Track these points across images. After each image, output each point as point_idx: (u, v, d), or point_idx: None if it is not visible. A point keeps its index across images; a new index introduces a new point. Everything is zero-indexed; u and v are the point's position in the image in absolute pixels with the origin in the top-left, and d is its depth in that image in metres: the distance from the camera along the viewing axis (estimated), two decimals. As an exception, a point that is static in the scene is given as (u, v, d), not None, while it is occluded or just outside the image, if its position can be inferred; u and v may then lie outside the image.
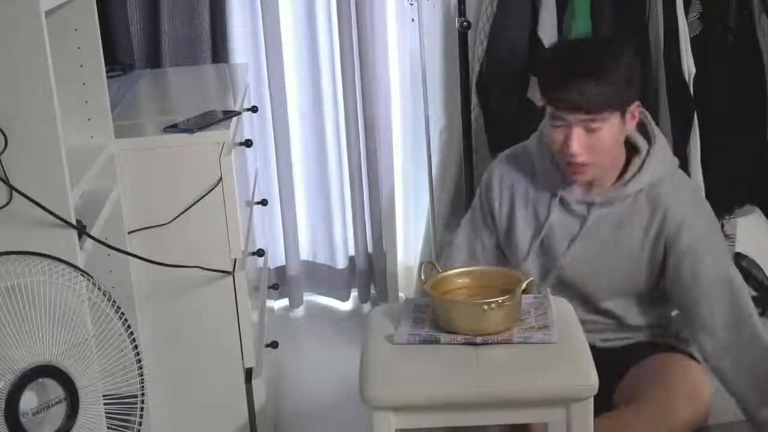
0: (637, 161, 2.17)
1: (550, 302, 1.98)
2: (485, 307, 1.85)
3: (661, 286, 2.18)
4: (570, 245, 2.18)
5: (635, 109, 2.12)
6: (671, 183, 2.17)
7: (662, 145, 2.20)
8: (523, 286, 1.89)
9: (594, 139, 2.06)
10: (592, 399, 1.78)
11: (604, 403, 1.94)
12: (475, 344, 1.85)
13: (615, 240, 2.16)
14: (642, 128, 2.20)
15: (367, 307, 3.55)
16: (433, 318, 1.94)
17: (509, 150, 2.35)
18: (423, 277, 1.98)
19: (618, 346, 2.21)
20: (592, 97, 2.02)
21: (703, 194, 2.30)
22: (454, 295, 1.98)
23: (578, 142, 2.06)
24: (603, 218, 2.16)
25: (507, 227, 2.26)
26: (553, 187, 2.20)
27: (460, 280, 2.01)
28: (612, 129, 2.07)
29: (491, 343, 1.85)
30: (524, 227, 2.23)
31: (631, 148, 2.18)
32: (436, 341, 1.87)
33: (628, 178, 2.16)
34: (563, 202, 2.18)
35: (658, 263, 2.16)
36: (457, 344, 1.85)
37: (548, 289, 2.05)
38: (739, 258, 3.47)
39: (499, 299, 1.85)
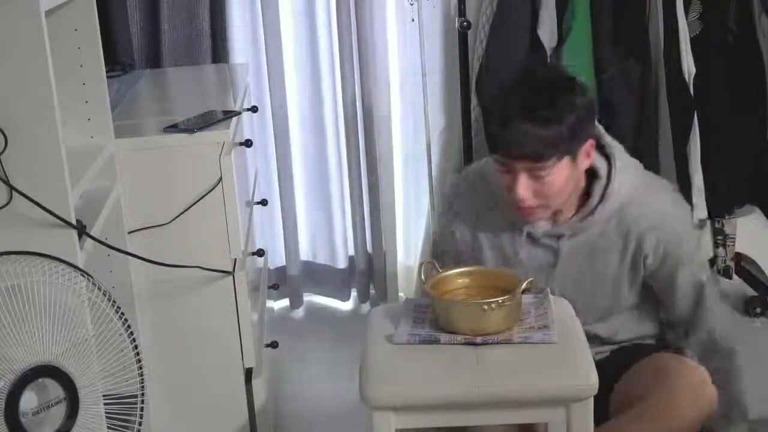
0: (598, 188, 2.06)
1: (550, 302, 1.98)
2: (485, 307, 1.85)
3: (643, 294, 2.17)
4: (547, 279, 2.10)
5: (589, 147, 2.01)
6: (641, 201, 2.07)
7: (621, 158, 2.08)
8: (523, 286, 1.89)
9: (542, 185, 1.96)
10: (592, 399, 1.78)
11: (600, 407, 1.91)
12: (475, 344, 1.85)
13: (590, 269, 2.09)
14: (598, 145, 2.07)
15: (366, 307, 3.55)
16: (433, 318, 1.94)
17: (467, 176, 2.23)
18: (423, 277, 1.97)
19: (609, 352, 2.20)
20: (537, 147, 1.91)
21: (675, 189, 2.22)
22: (454, 295, 1.97)
23: (524, 188, 1.96)
24: (575, 248, 2.08)
25: (474, 258, 2.17)
26: (516, 221, 2.10)
27: (460, 280, 2.00)
28: (561, 173, 1.96)
29: (491, 343, 1.85)
30: (493, 259, 2.14)
31: (590, 172, 2.07)
32: (436, 341, 1.87)
33: (593, 206, 2.05)
34: (531, 237, 2.10)
35: (639, 280, 2.11)
36: (457, 344, 1.85)
37: (548, 289, 2.04)
38: (739, 258, 3.48)
39: (499, 299, 1.85)
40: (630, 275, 2.11)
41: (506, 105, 1.95)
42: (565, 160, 1.96)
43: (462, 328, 1.87)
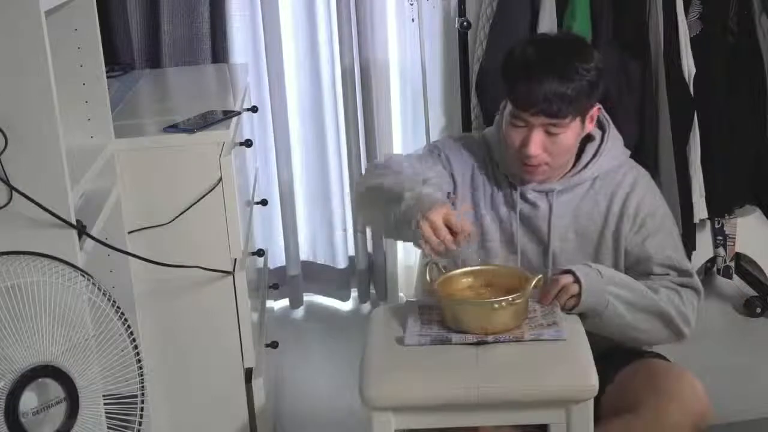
0: (591, 147, 2.12)
1: (555, 300, 1.98)
2: (496, 305, 1.84)
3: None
4: (540, 235, 2.11)
5: (595, 112, 2.08)
6: (629, 173, 2.13)
7: (614, 133, 2.16)
8: (533, 283, 1.88)
9: (553, 142, 2.02)
10: (592, 400, 1.78)
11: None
12: (487, 343, 1.84)
13: (575, 229, 2.11)
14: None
15: (367, 307, 3.56)
16: (440, 318, 1.93)
17: (464, 136, 2.25)
18: (429, 278, 1.96)
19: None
20: (560, 103, 1.96)
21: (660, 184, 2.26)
22: (460, 294, 1.97)
23: (537, 144, 2.00)
24: (563, 207, 2.11)
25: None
26: (513, 178, 2.12)
27: (464, 280, 2.00)
28: (572, 133, 2.03)
29: (504, 342, 1.84)
30: (486, 214, 2.13)
31: (584, 137, 2.12)
32: (448, 341, 1.86)
33: (585, 162, 2.11)
34: (522, 195, 2.11)
35: (621, 257, 2.10)
36: (470, 343, 1.85)
37: None
38: (739, 258, 3.48)
39: (510, 297, 1.84)
40: (612, 250, 2.10)
41: (535, 62, 2.00)
42: (578, 120, 2.03)
43: (472, 328, 1.86)
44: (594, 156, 2.12)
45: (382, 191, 1.99)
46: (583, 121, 2.05)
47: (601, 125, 2.16)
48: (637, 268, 2.10)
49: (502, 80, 2.05)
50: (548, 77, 1.96)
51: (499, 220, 2.14)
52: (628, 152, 2.19)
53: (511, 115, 2.04)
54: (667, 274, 2.09)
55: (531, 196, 2.11)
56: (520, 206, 2.12)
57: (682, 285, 2.09)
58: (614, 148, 2.15)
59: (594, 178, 2.12)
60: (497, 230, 2.14)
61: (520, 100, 2.01)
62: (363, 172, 2.17)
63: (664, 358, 2.14)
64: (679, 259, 2.11)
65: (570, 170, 2.12)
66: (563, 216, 2.11)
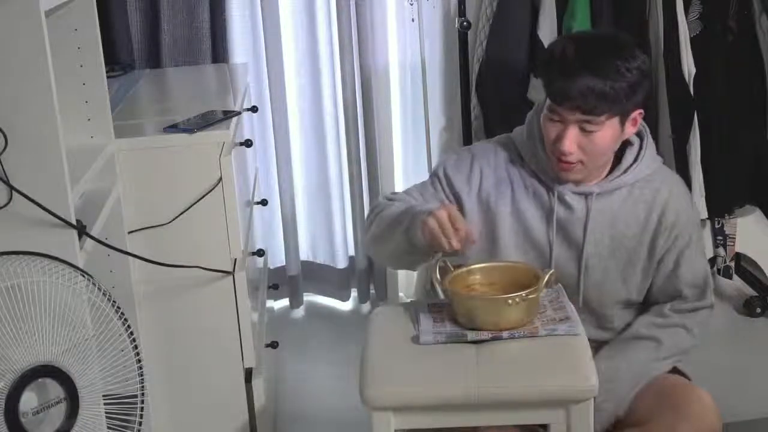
0: (631, 152, 2.11)
1: (565, 295, 1.98)
2: (510, 301, 1.84)
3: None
4: (569, 240, 2.09)
5: (637, 116, 2.05)
6: (666, 180, 2.13)
7: (650, 139, 2.15)
8: (546, 278, 1.88)
9: (588, 140, 1.99)
10: (592, 400, 1.78)
11: None
12: (501, 339, 1.85)
13: (611, 234, 2.09)
14: None
15: (366, 307, 3.56)
16: (451, 316, 1.93)
17: (491, 140, 2.23)
18: (438, 276, 1.96)
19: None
20: (595, 99, 1.95)
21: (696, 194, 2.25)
22: (470, 291, 1.96)
23: (571, 140, 1.99)
24: (601, 210, 2.08)
25: (485, 219, 2.11)
26: (546, 177, 2.09)
27: (473, 277, 2.00)
28: (609, 133, 2.00)
29: (518, 337, 1.85)
30: (506, 221, 2.10)
31: (622, 144, 2.10)
32: (463, 338, 1.86)
33: (625, 166, 2.09)
34: (559, 196, 2.08)
35: (651, 270, 2.10)
36: (485, 340, 1.85)
37: (560, 284, 2.02)
38: (739, 258, 3.48)
39: (523, 293, 1.84)
40: (646, 258, 2.09)
41: (575, 56, 1.98)
42: (615, 121, 2.00)
43: (486, 324, 1.86)
44: (634, 161, 2.10)
45: (392, 217, 2.02)
46: (622, 123, 2.02)
47: (638, 132, 2.12)
48: (667, 289, 2.11)
49: (540, 73, 2.05)
50: (585, 72, 1.94)
51: (518, 214, 2.10)
52: (660, 159, 2.18)
53: (548, 109, 2.02)
54: (688, 297, 2.11)
55: (569, 198, 2.08)
56: (558, 209, 2.09)
57: (696, 309, 2.11)
58: (651, 154, 2.13)
59: (633, 183, 2.09)
60: (510, 227, 2.10)
61: (555, 93, 1.99)
62: (366, 214, 2.19)
63: (676, 369, 2.11)
64: (705, 274, 2.14)
65: (609, 174, 2.10)
66: (600, 220, 2.08)
